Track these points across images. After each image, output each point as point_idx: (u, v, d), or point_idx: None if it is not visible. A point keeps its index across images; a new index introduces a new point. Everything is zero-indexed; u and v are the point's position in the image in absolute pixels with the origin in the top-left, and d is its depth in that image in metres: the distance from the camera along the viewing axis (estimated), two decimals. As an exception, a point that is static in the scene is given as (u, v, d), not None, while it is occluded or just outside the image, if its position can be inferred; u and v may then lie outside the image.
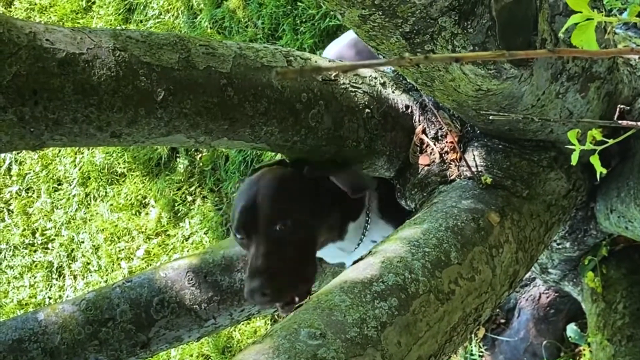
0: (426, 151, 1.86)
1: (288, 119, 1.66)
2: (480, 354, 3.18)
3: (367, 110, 1.79)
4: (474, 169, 1.77)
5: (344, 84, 1.75)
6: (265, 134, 1.64)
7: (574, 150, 1.25)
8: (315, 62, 1.76)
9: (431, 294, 1.45)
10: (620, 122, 1.17)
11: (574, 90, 1.65)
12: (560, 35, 1.39)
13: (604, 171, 1.25)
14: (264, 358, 1.24)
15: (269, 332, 1.33)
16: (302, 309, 1.38)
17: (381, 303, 1.38)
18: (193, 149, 4.25)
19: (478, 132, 1.83)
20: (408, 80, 1.88)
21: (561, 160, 1.80)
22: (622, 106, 1.28)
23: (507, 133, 1.77)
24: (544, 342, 3.00)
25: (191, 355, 4.16)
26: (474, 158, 1.79)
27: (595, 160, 1.23)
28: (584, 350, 2.96)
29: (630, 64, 2.00)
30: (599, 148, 1.22)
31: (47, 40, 1.36)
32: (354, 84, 1.78)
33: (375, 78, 1.85)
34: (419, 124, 1.87)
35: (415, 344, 1.39)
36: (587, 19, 0.79)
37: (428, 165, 1.84)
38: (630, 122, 1.16)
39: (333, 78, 1.73)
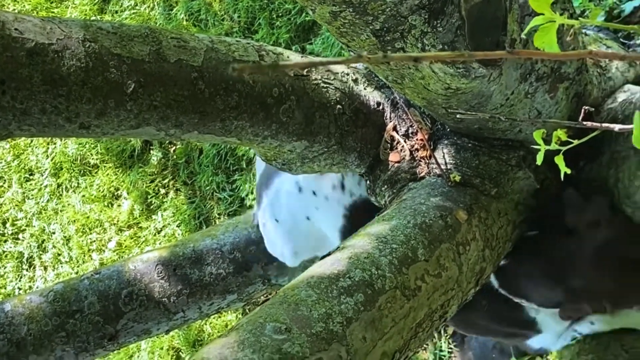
0: (396, 148, 1.86)
1: (259, 113, 1.65)
2: (450, 350, 3.20)
3: (338, 106, 1.79)
4: (443, 167, 1.78)
5: (315, 79, 1.76)
6: (235, 128, 1.64)
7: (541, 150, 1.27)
8: (288, 57, 1.76)
9: (397, 290, 1.46)
10: (585, 123, 1.18)
11: (543, 91, 1.66)
12: (523, 36, 1.40)
13: (569, 171, 1.26)
14: (229, 352, 1.24)
15: (235, 325, 1.33)
16: (268, 303, 1.38)
17: (347, 298, 1.39)
18: (167, 142, 4.23)
19: (448, 130, 1.84)
20: (380, 78, 1.89)
21: (529, 160, 1.81)
22: (587, 107, 1.30)
23: (476, 132, 1.78)
24: (512, 340, 3.02)
25: (161, 348, 4.15)
26: (443, 156, 1.81)
27: (559, 160, 1.24)
28: (551, 347, 2.99)
29: (600, 66, 2.02)
30: (564, 148, 1.24)
31: (16, 29, 1.35)
32: (326, 80, 1.78)
33: (348, 74, 1.85)
34: (390, 121, 1.88)
35: (381, 340, 1.40)
36: (550, 21, 0.80)
37: (398, 162, 1.85)
38: (594, 124, 1.17)
39: (305, 73, 1.74)
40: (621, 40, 2.56)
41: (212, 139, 1.66)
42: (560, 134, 1.22)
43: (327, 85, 1.78)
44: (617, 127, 1.17)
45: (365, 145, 1.87)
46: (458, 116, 1.48)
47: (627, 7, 2.78)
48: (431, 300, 1.53)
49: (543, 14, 0.79)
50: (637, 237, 1.77)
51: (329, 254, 1.53)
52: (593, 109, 1.63)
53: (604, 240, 1.76)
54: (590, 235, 1.77)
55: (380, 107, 1.88)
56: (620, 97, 1.99)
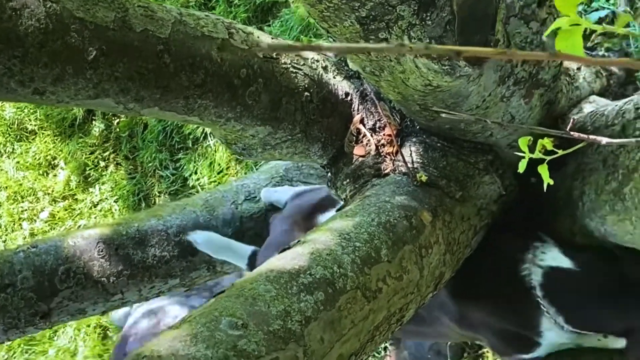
0: (362, 142, 1.80)
1: (224, 94, 1.57)
2: (386, 347, 3.17)
3: (306, 93, 1.72)
4: (410, 165, 1.72)
5: (285, 63, 1.68)
6: (199, 107, 1.55)
7: (513, 155, 1.23)
8: (258, 37, 1.68)
9: (358, 291, 1.40)
10: (572, 133, 1.14)
11: (519, 95, 1.62)
12: (544, 38, 1.35)
13: (552, 182, 1.22)
14: (181, 345, 1.16)
15: (187, 317, 1.25)
16: (224, 295, 1.30)
17: (307, 296, 1.32)
18: (110, 113, 4.09)
19: (417, 127, 1.78)
20: (350, 67, 1.82)
21: (497, 165, 1.77)
22: (574, 117, 1.26)
23: (447, 132, 1.73)
24: (449, 342, 3.00)
25: (88, 326, 4.03)
26: (410, 154, 1.75)
27: (543, 170, 1.20)
28: (487, 351, 2.98)
29: (569, 75, 1.99)
30: (549, 158, 1.19)
31: (-29, -18, 1.24)
32: (296, 65, 1.70)
33: (318, 61, 1.78)
34: (358, 113, 1.82)
35: (338, 342, 1.34)
36: (574, 24, 0.74)
37: (363, 156, 1.79)
38: (581, 135, 1.13)
39: (275, 56, 1.66)
40: (585, 51, 2.55)
41: (173, 116, 1.57)
42: (546, 142, 1.17)
43: (297, 71, 1.70)
44: (604, 140, 1.12)
45: (330, 136, 1.80)
46: (443, 115, 1.42)
47: (592, 18, 2.78)
48: (391, 303, 1.47)
49: (568, 16, 0.73)
50: None
51: (288, 247, 1.46)
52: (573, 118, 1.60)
53: None
54: None
55: (349, 98, 1.82)
56: (587, 107, 1.97)
